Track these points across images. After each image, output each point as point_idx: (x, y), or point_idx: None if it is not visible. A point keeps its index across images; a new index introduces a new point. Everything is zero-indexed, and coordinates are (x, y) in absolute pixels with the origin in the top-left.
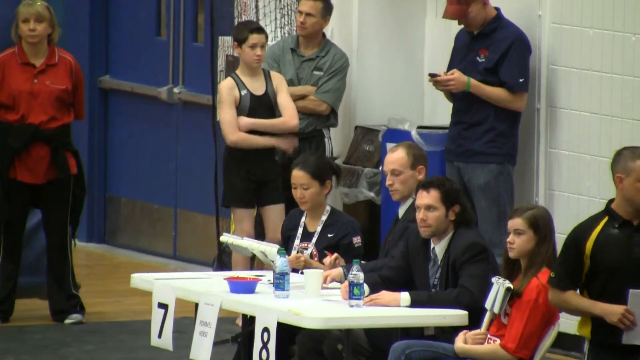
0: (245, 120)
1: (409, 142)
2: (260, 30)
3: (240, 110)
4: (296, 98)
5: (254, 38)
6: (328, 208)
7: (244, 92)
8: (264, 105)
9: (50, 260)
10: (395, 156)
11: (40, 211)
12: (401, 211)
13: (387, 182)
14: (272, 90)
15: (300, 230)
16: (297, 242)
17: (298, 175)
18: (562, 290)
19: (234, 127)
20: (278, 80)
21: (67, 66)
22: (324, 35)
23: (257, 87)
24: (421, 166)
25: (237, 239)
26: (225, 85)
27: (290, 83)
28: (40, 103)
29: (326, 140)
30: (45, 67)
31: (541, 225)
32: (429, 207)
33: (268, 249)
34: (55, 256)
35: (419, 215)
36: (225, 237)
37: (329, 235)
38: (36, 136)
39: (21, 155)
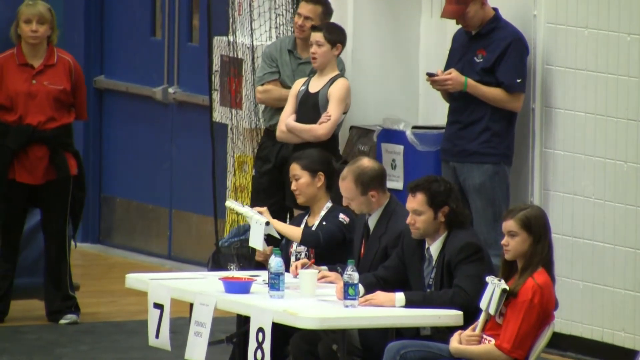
0: (288, 120)
1: (361, 163)
2: (314, 28)
3: (296, 105)
4: None
5: (310, 36)
6: (329, 204)
7: (302, 88)
8: (309, 103)
9: (48, 260)
10: (344, 185)
11: (40, 211)
12: (371, 223)
13: (344, 203)
14: (324, 92)
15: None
16: (294, 245)
17: (291, 167)
18: None
19: (282, 122)
20: (335, 87)
21: (66, 66)
22: None
23: (317, 85)
24: (373, 192)
25: (238, 206)
26: (297, 80)
27: (287, 85)
28: (38, 104)
29: None
30: (44, 68)
31: (534, 225)
32: (415, 212)
33: (255, 216)
34: (53, 257)
35: (408, 218)
36: (229, 203)
37: (324, 224)
38: (34, 137)
39: (20, 156)
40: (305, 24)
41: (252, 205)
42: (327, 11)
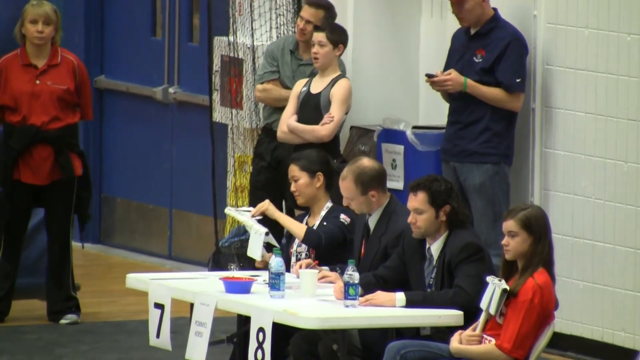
0: (290, 121)
1: (360, 163)
2: (317, 28)
3: (298, 106)
4: None
5: (313, 35)
6: (329, 204)
7: (304, 89)
8: (311, 104)
9: (51, 260)
10: (344, 185)
11: (44, 210)
12: (372, 222)
13: (344, 203)
14: (326, 93)
15: None
16: (295, 245)
17: (290, 168)
18: None
19: (283, 123)
20: (337, 88)
21: (70, 66)
22: None
23: (318, 86)
24: (373, 191)
25: (237, 214)
26: (299, 81)
27: (286, 85)
28: (41, 104)
29: None
30: (47, 68)
31: (534, 225)
32: (417, 210)
33: (255, 226)
34: (56, 257)
35: (409, 217)
36: (228, 210)
37: (325, 224)
38: (37, 137)
39: (24, 156)
40: (307, 27)
41: (251, 201)
42: (331, 15)
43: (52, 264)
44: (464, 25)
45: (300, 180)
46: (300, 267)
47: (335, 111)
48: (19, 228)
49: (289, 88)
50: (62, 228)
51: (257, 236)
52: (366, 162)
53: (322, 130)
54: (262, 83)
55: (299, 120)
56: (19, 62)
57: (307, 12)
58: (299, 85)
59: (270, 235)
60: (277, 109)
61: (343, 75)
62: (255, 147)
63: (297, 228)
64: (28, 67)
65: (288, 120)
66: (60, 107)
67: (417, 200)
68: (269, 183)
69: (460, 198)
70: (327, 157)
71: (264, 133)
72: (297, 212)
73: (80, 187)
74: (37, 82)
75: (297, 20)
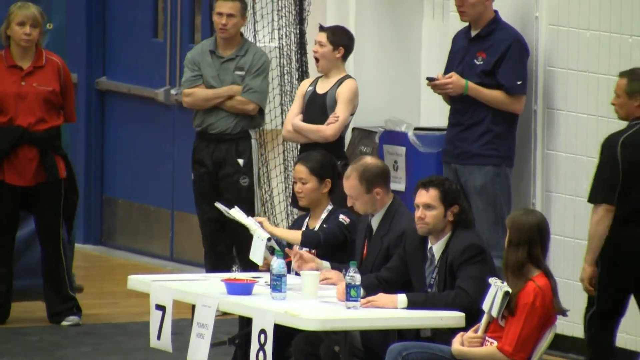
0: (294, 120)
1: (364, 161)
2: (321, 28)
3: (303, 105)
4: (223, 99)
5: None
6: (329, 207)
7: (310, 88)
8: (317, 104)
9: (45, 263)
10: (349, 184)
11: (33, 214)
12: (374, 223)
13: (348, 203)
14: (332, 93)
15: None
16: (296, 246)
17: (298, 169)
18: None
19: (288, 123)
20: (343, 89)
21: (55, 68)
22: (241, 34)
23: (324, 86)
24: (378, 189)
25: (243, 217)
26: (304, 82)
27: (212, 85)
28: (28, 105)
29: (252, 141)
30: (33, 69)
31: (513, 230)
32: (427, 206)
33: (258, 230)
34: (50, 259)
35: (417, 213)
36: (234, 212)
37: (324, 227)
38: (23, 138)
39: (10, 157)
40: (229, 22)
41: (198, 208)
42: (245, 6)
43: (47, 267)
44: (463, 19)
45: (308, 184)
46: (296, 255)
47: (340, 111)
48: (8, 230)
49: (214, 88)
50: (52, 231)
51: (260, 241)
52: (370, 160)
53: (327, 130)
54: (187, 89)
55: (305, 120)
56: (3, 63)
57: (225, 6)
58: (305, 85)
59: (273, 241)
60: (208, 112)
61: (349, 75)
62: (192, 153)
63: (292, 236)
64: (13, 68)
65: (293, 120)
66: (45, 108)
67: (428, 196)
68: (213, 188)
69: (465, 201)
70: (334, 162)
71: (199, 138)
72: (299, 213)
73: (67, 190)
74: (23, 83)
75: (215, 18)
